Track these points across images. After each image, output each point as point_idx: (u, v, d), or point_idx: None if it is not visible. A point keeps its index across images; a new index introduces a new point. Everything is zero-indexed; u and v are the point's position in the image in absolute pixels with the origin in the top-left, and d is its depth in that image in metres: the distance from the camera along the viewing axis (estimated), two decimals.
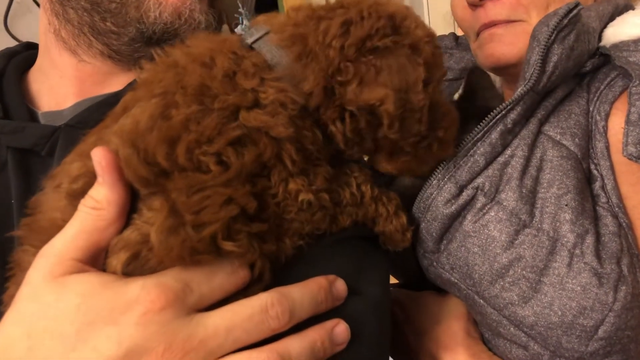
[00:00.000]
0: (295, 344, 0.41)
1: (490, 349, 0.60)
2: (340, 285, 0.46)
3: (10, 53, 0.68)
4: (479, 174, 0.56)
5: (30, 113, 0.62)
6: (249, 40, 0.47)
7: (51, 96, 0.63)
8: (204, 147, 0.39)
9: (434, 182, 0.57)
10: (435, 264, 0.59)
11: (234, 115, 0.41)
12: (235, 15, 0.64)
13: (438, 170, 0.57)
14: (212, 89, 0.42)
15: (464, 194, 0.56)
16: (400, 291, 0.69)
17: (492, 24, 0.69)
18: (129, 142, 0.40)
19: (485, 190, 0.56)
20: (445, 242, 0.57)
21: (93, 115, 0.56)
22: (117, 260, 0.39)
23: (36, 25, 0.66)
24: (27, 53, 0.69)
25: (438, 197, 0.56)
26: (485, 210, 0.55)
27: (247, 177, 0.40)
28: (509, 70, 0.71)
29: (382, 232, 0.52)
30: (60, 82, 0.63)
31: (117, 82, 0.63)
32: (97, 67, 0.63)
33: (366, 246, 0.52)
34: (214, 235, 0.38)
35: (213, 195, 0.38)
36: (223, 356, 0.38)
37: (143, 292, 0.37)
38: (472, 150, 0.56)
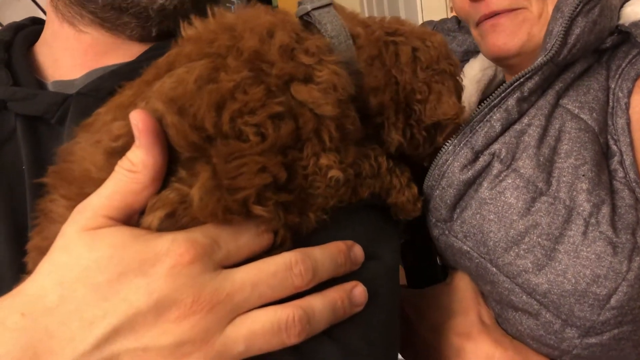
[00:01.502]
0: (317, 301, 0.41)
1: (500, 324, 0.60)
2: (358, 251, 0.46)
3: (16, 26, 0.68)
4: (495, 139, 0.56)
5: (39, 84, 0.61)
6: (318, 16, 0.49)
7: (56, 68, 0.63)
8: (246, 118, 0.40)
9: (450, 147, 0.56)
10: (447, 232, 0.59)
11: (284, 87, 0.42)
12: (227, 5, 0.64)
13: (451, 138, 0.57)
14: (268, 56, 0.42)
15: (480, 159, 0.56)
16: (407, 290, 0.69)
17: (494, 14, 0.68)
18: (175, 107, 0.40)
19: (502, 157, 0.56)
20: (459, 210, 0.57)
21: (106, 83, 0.56)
22: (153, 217, 0.40)
23: (25, 13, 0.65)
24: (34, 27, 0.69)
25: (454, 162, 0.56)
26: (501, 177, 0.55)
27: (281, 148, 0.41)
28: (512, 60, 0.70)
29: (395, 203, 0.53)
30: (64, 54, 0.63)
31: (120, 54, 0.62)
32: (95, 38, 0.62)
33: (381, 215, 0.53)
34: (247, 199, 0.39)
35: (249, 163, 0.39)
36: (248, 310, 0.39)
37: (173, 245, 0.38)
38: (488, 116, 0.56)
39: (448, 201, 0.57)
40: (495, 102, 0.56)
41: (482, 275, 0.58)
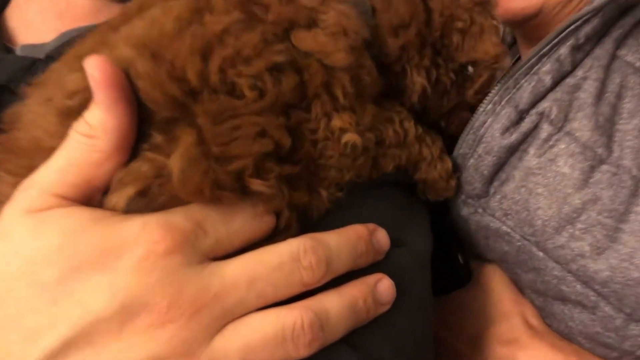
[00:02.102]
0: (333, 301, 0.33)
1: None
2: (382, 236, 0.38)
3: None
4: (543, 96, 0.46)
5: (7, 49, 0.54)
6: None
7: (29, 33, 0.56)
8: (240, 68, 0.32)
9: (489, 106, 0.47)
10: (480, 210, 0.49)
11: (282, 35, 0.35)
12: None
13: (492, 93, 0.47)
14: None
15: (525, 120, 0.46)
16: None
17: None
18: (148, 52, 0.32)
19: (552, 117, 0.46)
20: (497, 183, 0.48)
21: None
22: (119, 196, 0.31)
23: None
24: None
25: (494, 124, 0.46)
26: (552, 142, 0.45)
27: (283, 107, 0.34)
28: (529, 23, 0.60)
29: (424, 180, 0.45)
30: (37, 17, 0.56)
31: (100, 18, 0.54)
32: (72, 1, 0.55)
33: (409, 193, 0.44)
34: (242, 171, 0.31)
35: (245, 125, 0.32)
36: (244, 315, 0.30)
37: (145, 231, 0.29)
38: (536, 67, 0.46)
39: (485, 172, 0.47)
40: (544, 50, 0.46)
41: (523, 262, 0.48)
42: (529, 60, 0.46)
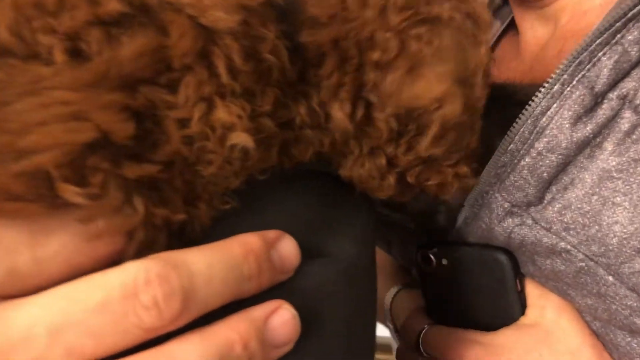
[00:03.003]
0: (188, 351, 0.23)
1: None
2: (289, 247, 0.27)
3: None
4: (628, 73, 0.35)
5: None
6: None
7: None
8: (48, 20, 0.22)
9: (555, 87, 0.35)
10: (530, 222, 0.38)
11: None
12: None
13: (561, 69, 0.36)
14: None
15: (604, 106, 0.35)
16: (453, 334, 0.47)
17: None
18: None
19: (637, 102, 0.35)
20: (557, 187, 0.37)
21: None
22: None
23: None
24: None
25: (563, 111, 0.35)
26: (637, 135, 0.35)
27: (124, 81, 0.23)
28: None
29: (350, 177, 0.33)
30: None
31: None
32: None
33: (338, 186, 0.33)
34: (46, 172, 0.22)
35: (51, 103, 0.22)
36: None
37: None
38: (620, 35, 0.35)
39: (545, 174, 0.36)
40: (634, 11, 0.34)
41: (583, 285, 0.38)
42: (610, 25, 0.34)
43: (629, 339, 0.38)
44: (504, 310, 0.43)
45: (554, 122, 0.35)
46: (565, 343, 0.40)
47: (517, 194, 0.38)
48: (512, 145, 0.37)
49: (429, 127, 0.29)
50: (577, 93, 0.35)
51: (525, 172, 0.37)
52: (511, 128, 0.37)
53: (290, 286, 0.27)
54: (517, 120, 0.37)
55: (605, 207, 0.35)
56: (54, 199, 0.22)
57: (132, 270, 0.22)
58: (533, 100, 0.36)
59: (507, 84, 0.40)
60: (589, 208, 0.35)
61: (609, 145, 0.35)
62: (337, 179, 0.33)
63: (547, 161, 0.36)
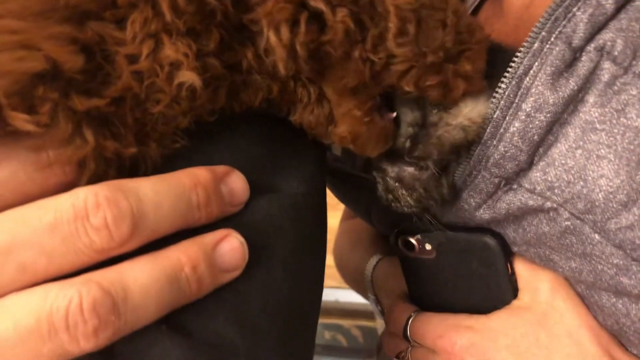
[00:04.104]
0: (138, 270, 0.25)
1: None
2: (237, 181, 0.29)
3: None
4: (603, 26, 0.34)
5: None
6: None
7: None
8: None
9: (535, 45, 0.34)
10: (515, 186, 0.37)
11: None
12: None
13: (538, 26, 0.34)
14: None
15: (583, 59, 0.34)
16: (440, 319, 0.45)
17: None
18: None
19: (616, 54, 0.34)
20: (542, 148, 0.35)
21: None
22: None
23: None
24: None
25: (545, 68, 0.34)
26: (618, 86, 0.33)
27: (72, 13, 0.24)
28: None
29: (300, 123, 0.34)
30: None
31: None
32: None
33: (288, 130, 0.34)
34: None
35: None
36: None
37: None
38: None
39: (536, 137, 0.35)
40: None
41: (567, 246, 0.37)
42: None
43: (614, 299, 0.37)
44: (495, 296, 0.42)
45: (538, 79, 0.34)
46: (563, 325, 0.39)
47: (509, 165, 0.36)
48: (497, 112, 0.35)
49: (387, 20, 0.29)
50: (557, 49, 0.34)
51: (517, 138, 0.35)
52: (495, 93, 0.35)
53: (240, 219, 0.29)
54: (501, 84, 0.35)
55: (589, 161, 0.34)
56: (4, 126, 0.22)
57: (82, 194, 0.23)
58: (514, 61, 0.35)
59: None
60: (573, 163, 0.34)
61: (590, 98, 0.34)
62: (287, 123, 0.34)
63: (537, 122, 0.34)
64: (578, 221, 0.35)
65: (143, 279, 0.24)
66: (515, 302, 0.41)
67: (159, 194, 0.25)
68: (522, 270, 0.41)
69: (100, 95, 0.24)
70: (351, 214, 0.79)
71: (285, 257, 0.31)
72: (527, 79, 0.34)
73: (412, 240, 0.43)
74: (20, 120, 0.22)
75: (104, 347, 0.23)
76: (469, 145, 0.37)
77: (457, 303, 0.44)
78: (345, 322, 1.52)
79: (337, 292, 1.44)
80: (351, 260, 0.69)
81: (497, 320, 0.40)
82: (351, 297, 1.43)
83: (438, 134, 0.35)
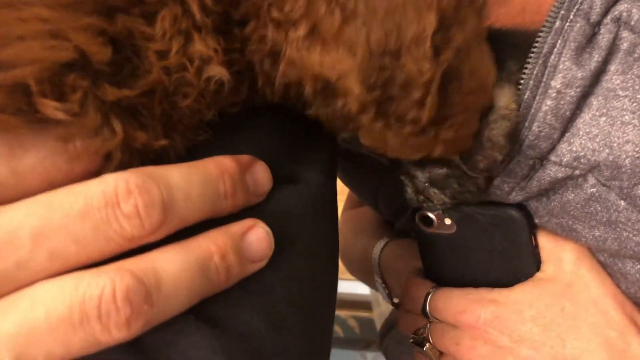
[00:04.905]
0: (170, 259, 0.24)
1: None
2: (261, 171, 0.29)
3: None
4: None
5: None
6: None
7: None
8: None
9: (556, 23, 0.34)
10: (544, 162, 0.37)
11: None
12: None
13: (554, 8, 0.35)
14: None
15: (602, 31, 0.34)
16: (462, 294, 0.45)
17: None
18: None
19: (633, 23, 0.34)
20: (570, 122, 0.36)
21: None
22: None
23: None
24: None
25: (570, 43, 0.34)
26: (638, 53, 0.34)
27: (101, 6, 0.24)
28: None
29: (316, 116, 0.33)
30: None
31: None
32: None
33: (304, 123, 0.34)
34: (26, 85, 0.22)
35: (30, 19, 0.22)
36: (29, 284, 0.22)
37: None
38: None
39: (567, 112, 0.35)
40: None
41: (592, 214, 0.37)
42: None
43: (639, 266, 0.37)
44: (517, 269, 0.42)
45: (563, 56, 0.34)
46: (588, 294, 0.39)
47: (544, 145, 0.36)
48: (527, 92, 0.35)
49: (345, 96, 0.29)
50: (578, 25, 0.34)
51: (550, 116, 0.35)
52: (522, 75, 0.35)
53: (263, 209, 0.29)
54: (527, 65, 0.35)
55: (614, 128, 0.34)
56: (33, 113, 0.22)
57: (112, 181, 0.23)
58: (537, 42, 0.35)
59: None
60: (597, 131, 0.34)
61: (611, 67, 0.35)
62: (303, 116, 0.33)
63: (568, 98, 0.35)
64: (604, 188, 0.35)
65: (175, 268, 0.24)
66: (538, 275, 0.41)
67: (189, 182, 0.25)
68: (545, 242, 0.41)
69: (130, 87, 0.24)
70: (354, 203, 0.78)
71: (307, 247, 0.31)
72: (553, 57, 0.34)
73: (431, 215, 0.43)
74: (50, 108, 0.22)
75: (135, 337, 0.23)
76: (517, 131, 0.36)
77: (477, 278, 0.43)
78: (342, 313, 1.52)
79: None
80: (356, 247, 0.69)
81: (521, 292, 0.40)
82: (348, 287, 1.43)
83: (487, 136, 0.34)
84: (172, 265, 0.24)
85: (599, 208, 0.36)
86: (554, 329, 0.39)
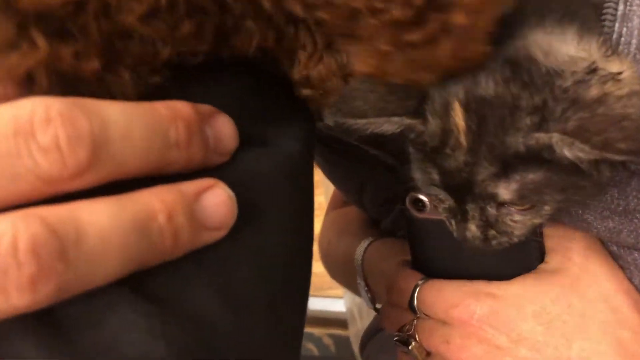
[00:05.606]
0: (98, 211, 0.19)
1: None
2: (225, 126, 0.25)
3: None
4: None
5: None
6: None
7: None
8: None
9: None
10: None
11: None
12: None
13: None
14: None
15: None
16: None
17: None
18: None
19: None
20: None
21: None
22: None
23: None
24: None
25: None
26: None
27: None
28: None
29: (306, 79, 0.30)
30: None
31: None
32: None
33: (280, 86, 0.30)
34: None
35: None
36: None
37: None
38: None
39: None
40: None
41: (608, 202, 0.33)
42: None
43: None
44: (518, 260, 0.38)
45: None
46: (597, 288, 0.35)
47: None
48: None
49: None
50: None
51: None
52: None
53: (227, 172, 0.25)
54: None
55: None
56: None
57: (29, 105, 0.18)
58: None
59: None
60: None
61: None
62: (281, 83, 0.30)
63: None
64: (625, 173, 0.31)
65: (103, 222, 0.19)
66: (542, 266, 0.37)
67: (129, 120, 0.21)
68: (551, 230, 0.37)
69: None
70: (338, 203, 0.74)
71: (277, 219, 0.27)
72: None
73: (424, 198, 0.39)
74: None
75: (43, 306, 0.18)
76: None
77: (471, 269, 0.39)
78: (317, 331, 1.47)
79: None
80: (339, 248, 0.65)
81: (523, 286, 0.36)
82: (323, 305, 1.38)
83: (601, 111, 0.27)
84: (100, 217, 0.19)
85: (616, 194, 0.32)
86: (558, 328, 0.35)
